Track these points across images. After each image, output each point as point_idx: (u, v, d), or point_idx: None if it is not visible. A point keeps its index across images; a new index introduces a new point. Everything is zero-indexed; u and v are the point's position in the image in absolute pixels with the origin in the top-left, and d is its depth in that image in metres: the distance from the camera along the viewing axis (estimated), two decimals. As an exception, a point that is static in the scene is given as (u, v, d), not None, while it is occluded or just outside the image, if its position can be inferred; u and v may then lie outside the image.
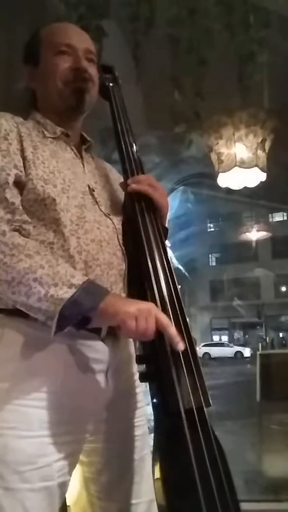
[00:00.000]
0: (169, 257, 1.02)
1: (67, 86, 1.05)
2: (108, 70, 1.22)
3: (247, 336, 25.18)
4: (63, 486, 0.94)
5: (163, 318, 0.89)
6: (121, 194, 1.13)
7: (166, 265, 0.99)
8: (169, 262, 1.00)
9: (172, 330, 0.89)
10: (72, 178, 1.01)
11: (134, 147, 1.12)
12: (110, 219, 1.04)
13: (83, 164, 1.08)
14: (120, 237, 1.04)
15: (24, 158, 0.96)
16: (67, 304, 0.83)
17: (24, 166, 0.96)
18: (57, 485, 0.91)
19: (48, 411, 0.91)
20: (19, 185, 0.94)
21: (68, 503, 1.10)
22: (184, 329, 0.94)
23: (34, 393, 0.90)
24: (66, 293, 0.84)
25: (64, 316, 0.84)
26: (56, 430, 0.91)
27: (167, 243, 1.08)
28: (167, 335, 0.89)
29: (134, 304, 0.88)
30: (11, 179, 0.92)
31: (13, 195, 0.92)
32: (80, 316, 0.85)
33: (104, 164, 1.20)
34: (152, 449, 0.94)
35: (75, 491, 1.08)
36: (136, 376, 1.06)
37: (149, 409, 0.97)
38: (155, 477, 0.87)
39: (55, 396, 0.92)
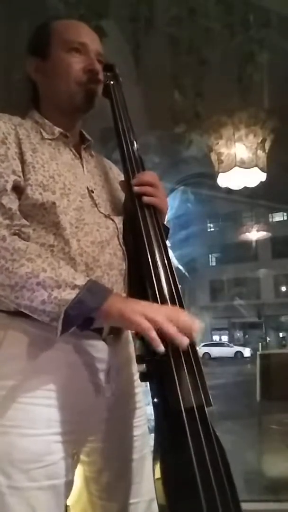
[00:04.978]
0: (170, 256, 1.01)
1: (80, 87, 1.04)
2: (109, 68, 1.20)
3: (247, 336, 25.19)
4: (69, 485, 0.94)
5: (169, 327, 0.86)
6: (121, 193, 1.12)
7: (167, 264, 0.98)
8: (169, 260, 1.00)
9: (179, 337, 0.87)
10: (72, 181, 1.01)
11: (135, 145, 1.11)
12: (110, 219, 1.03)
13: (82, 165, 1.07)
14: (121, 236, 1.03)
15: (23, 162, 0.95)
16: (71, 304, 0.83)
17: (23, 171, 0.95)
18: (64, 483, 0.91)
19: (52, 410, 0.91)
20: (18, 189, 0.93)
21: (67, 503, 1.10)
22: None
23: (39, 392, 0.91)
24: (69, 294, 0.83)
25: (69, 316, 0.83)
26: (60, 428, 0.91)
27: (167, 242, 1.08)
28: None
29: (142, 312, 0.85)
30: (9, 186, 0.91)
31: (10, 201, 0.91)
32: (84, 316, 0.85)
33: (104, 161, 1.19)
34: (152, 449, 0.94)
35: (75, 490, 1.08)
36: (136, 376, 1.06)
37: (149, 409, 0.97)
38: (156, 477, 0.87)
39: (59, 395, 0.92)
